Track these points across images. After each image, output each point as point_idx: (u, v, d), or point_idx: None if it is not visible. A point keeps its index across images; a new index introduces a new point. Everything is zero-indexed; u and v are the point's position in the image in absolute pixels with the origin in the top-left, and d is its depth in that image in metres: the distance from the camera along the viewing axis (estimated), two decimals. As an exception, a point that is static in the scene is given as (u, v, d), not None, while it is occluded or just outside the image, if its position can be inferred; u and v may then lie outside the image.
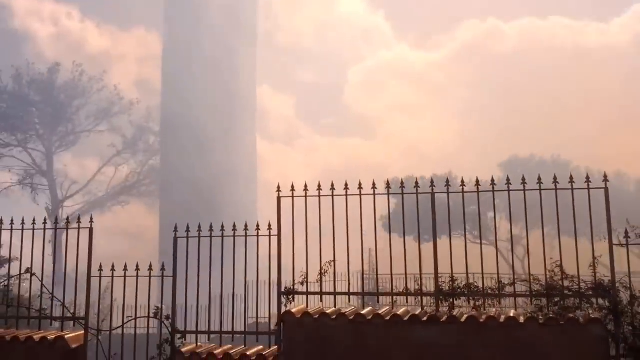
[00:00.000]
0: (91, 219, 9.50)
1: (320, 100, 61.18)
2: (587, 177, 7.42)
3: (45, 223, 9.70)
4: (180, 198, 44.17)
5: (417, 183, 8.07)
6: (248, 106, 48.47)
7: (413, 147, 55.84)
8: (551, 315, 7.19)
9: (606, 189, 7.49)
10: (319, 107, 62.10)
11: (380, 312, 7.86)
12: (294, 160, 60.05)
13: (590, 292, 7.24)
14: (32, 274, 9.71)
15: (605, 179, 7.48)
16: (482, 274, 7.61)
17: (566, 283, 7.37)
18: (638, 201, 31.72)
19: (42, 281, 9.67)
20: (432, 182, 7.98)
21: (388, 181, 7.89)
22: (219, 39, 45.66)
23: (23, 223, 9.75)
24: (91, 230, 9.37)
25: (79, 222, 9.53)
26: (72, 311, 9.46)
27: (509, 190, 7.73)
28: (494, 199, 7.88)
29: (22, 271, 9.69)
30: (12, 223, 9.80)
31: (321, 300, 8.29)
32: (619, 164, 38.13)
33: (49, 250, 10.07)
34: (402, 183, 7.90)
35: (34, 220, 9.76)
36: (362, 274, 7.82)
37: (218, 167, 44.54)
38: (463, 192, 7.71)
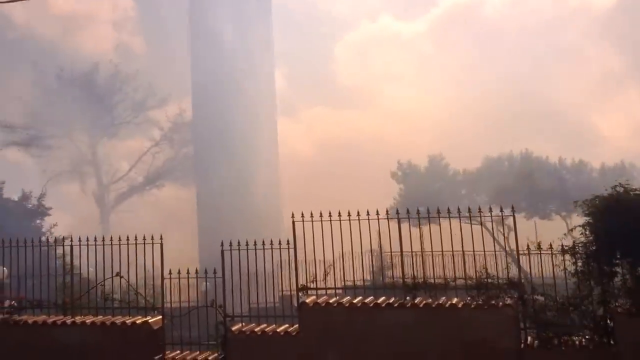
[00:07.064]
0: (161, 237, 13.15)
1: (309, 71, 63.12)
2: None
3: (128, 240, 13.36)
4: (212, 183, 50.11)
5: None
6: (265, 89, 53.43)
7: (405, 118, 58.57)
8: (479, 302, 10.70)
9: (513, 216, 10.88)
10: (309, 79, 63.73)
11: (366, 301, 11.46)
12: (296, 131, 63.49)
13: (505, 286, 10.73)
14: (121, 277, 13.47)
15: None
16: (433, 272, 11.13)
17: (490, 280, 10.87)
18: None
19: (128, 281, 13.47)
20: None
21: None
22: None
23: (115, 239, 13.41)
24: (161, 245, 13.08)
25: (152, 239, 13.19)
26: (152, 302, 13.27)
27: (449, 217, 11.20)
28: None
29: (114, 275, 13.49)
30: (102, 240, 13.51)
31: (326, 293, 11.92)
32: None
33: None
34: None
35: (119, 238, 13.46)
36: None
37: (245, 150, 50.01)
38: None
